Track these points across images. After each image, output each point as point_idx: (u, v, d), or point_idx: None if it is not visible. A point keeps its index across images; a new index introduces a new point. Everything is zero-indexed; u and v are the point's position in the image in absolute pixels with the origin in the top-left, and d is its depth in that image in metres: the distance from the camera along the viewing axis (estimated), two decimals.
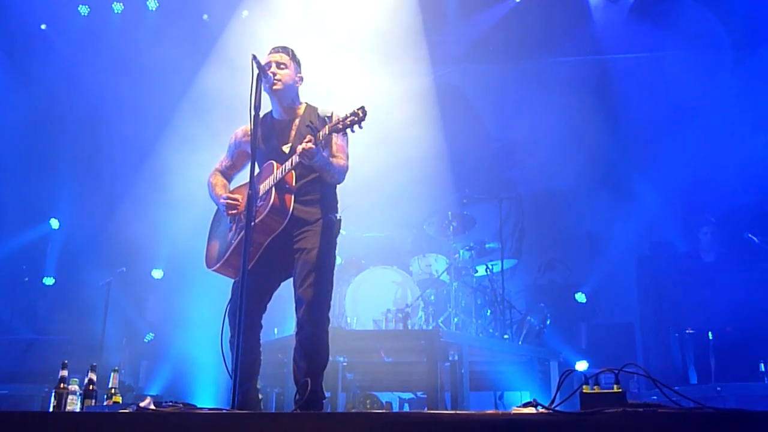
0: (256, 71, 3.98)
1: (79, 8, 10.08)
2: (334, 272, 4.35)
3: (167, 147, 9.22)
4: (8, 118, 9.69)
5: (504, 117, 10.44)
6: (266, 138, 4.47)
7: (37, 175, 9.81)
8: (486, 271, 8.44)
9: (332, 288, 4.35)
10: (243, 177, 4.71)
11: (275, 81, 4.40)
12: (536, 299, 9.18)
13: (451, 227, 8.39)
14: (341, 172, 4.40)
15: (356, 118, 3.94)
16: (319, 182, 4.40)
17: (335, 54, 8.78)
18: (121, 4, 10.04)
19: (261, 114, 4.01)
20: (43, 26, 10.20)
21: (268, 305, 4.45)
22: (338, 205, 4.60)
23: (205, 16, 9.98)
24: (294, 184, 4.30)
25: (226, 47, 9.08)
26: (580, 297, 9.63)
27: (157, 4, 10.00)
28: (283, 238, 4.30)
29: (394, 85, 9.01)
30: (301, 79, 4.61)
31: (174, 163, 8.85)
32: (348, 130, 3.98)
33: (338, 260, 8.45)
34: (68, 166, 9.99)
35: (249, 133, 4.54)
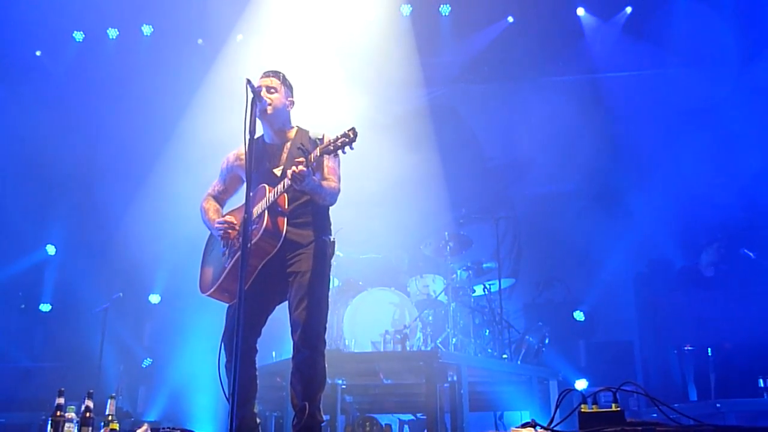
0: (250, 95, 3.99)
1: (73, 34, 10.15)
2: (331, 294, 4.36)
3: (163, 172, 9.24)
4: (3, 145, 9.72)
5: (499, 136, 10.49)
6: (258, 161, 4.47)
7: (32, 201, 9.81)
8: (484, 291, 8.43)
9: (327, 310, 4.36)
10: (235, 201, 4.75)
11: (266, 106, 4.41)
12: (534, 318, 9.16)
13: (448, 247, 8.39)
14: (333, 195, 4.41)
15: (347, 140, 3.95)
16: (311, 204, 4.41)
17: (328, 76, 8.82)
18: (116, 29, 10.09)
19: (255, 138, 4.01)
20: (38, 53, 10.26)
21: (263, 329, 4.44)
22: (332, 227, 4.60)
23: (199, 41, 10.04)
24: (286, 206, 4.30)
25: (220, 71, 9.13)
26: (579, 315, 9.61)
27: (152, 30, 10.06)
28: (276, 262, 4.30)
29: (388, 107, 9.06)
30: (292, 103, 4.63)
31: (170, 188, 8.86)
32: (339, 152, 3.99)
33: (335, 282, 8.60)
34: (64, 192, 9.99)
35: (241, 157, 4.57)
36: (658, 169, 9.50)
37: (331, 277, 4.59)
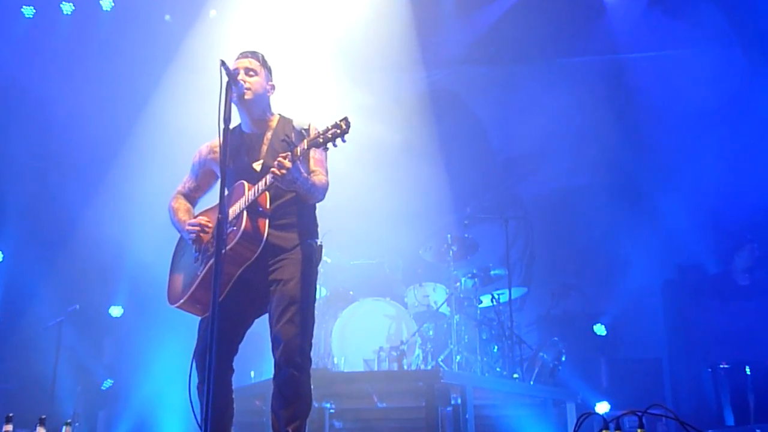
0: (225, 79, 3.97)
1: (22, 9, 10.08)
2: (318, 305, 4.36)
3: (127, 166, 9.21)
4: None
5: (508, 126, 10.49)
6: (235, 154, 4.46)
7: None
8: (492, 302, 8.45)
9: (314, 323, 4.34)
10: (209, 200, 4.73)
11: (245, 90, 4.41)
12: (549, 332, 9.19)
13: (451, 252, 8.41)
14: (322, 191, 4.39)
15: (338, 131, 3.93)
16: (296, 203, 4.40)
17: (313, 58, 8.82)
18: (71, 4, 10.04)
19: (230, 127, 4.00)
20: None
21: (240, 346, 4.43)
22: (318, 230, 4.60)
23: (167, 17, 10.00)
24: (268, 206, 4.28)
25: (191, 52, 9.10)
26: (600, 329, 9.63)
27: (113, 4, 10.01)
28: (256, 269, 4.28)
29: (383, 93, 9.06)
30: (273, 87, 4.61)
31: (134, 184, 8.84)
32: (330, 145, 3.98)
33: (322, 292, 8.63)
34: (13, 186, 9.89)
35: (215, 149, 4.57)
36: (688, 163, 9.51)
37: (318, 286, 4.59)
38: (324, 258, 8.42)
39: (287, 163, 4.01)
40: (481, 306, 8.55)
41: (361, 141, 8.69)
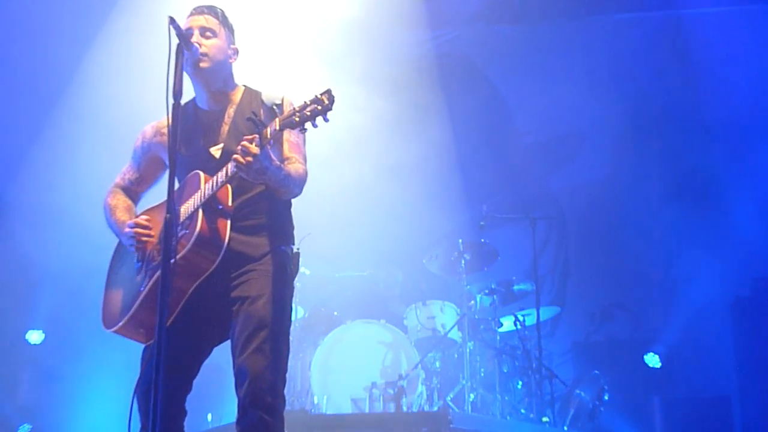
0: (174, 41, 3.96)
1: None
2: (294, 330, 4.34)
3: (49, 152, 9.16)
4: None
5: (537, 101, 10.47)
6: (188, 137, 4.43)
7: None
8: (515, 325, 8.46)
9: (288, 353, 4.32)
10: (156, 195, 4.71)
11: (201, 56, 4.41)
12: (588, 364, 9.18)
13: (463, 262, 8.42)
14: (299, 183, 4.35)
15: (319, 107, 3.89)
16: (266, 199, 4.37)
17: (289, 14, 8.80)
18: None
19: (181, 103, 3.98)
20: None
21: (194, 382, 4.42)
22: (295, 233, 4.57)
23: None
24: (230, 203, 4.25)
25: (132, 7, 9.05)
26: (652, 359, 9.63)
27: None
28: (215, 283, 4.26)
29: (377, 59, 9.04)
30: (237, 51, 4.58)
31: (59, 175, 8.81)
32: (308, 125, 3.96)
33: (299, 312, 8.63)
34: None
35: (163, 131, 4.54)
36: (765, 149, 9.53)
37: (294, 305, 4.59)
38: (301, 269, 8.41)
39: (254, 148, 3.96)
40: (501, 330, 8.58)
41: (349, 121, 8.80)
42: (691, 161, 9.84)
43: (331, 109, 3.90)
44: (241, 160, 3.95)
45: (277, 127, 3.98)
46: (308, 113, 3.91)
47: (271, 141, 4.02)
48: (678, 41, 9.97)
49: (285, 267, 4.41)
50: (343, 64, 8.67)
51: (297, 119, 3.93)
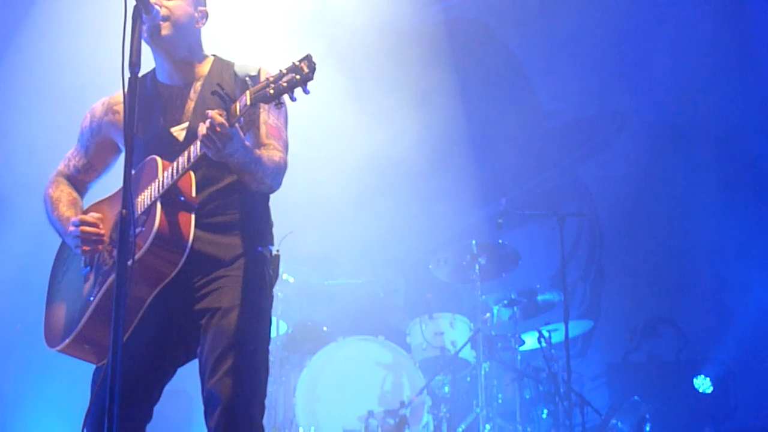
0: (131, 2, 3.95)
1: None
2: (274, 348, 4.33)
3: None
4: None
5: (565, 75, 10.48)
6: (147, 116, 4.43)
7: None
8: (539, 342, 8.44)
9: (267, 376, 4.33)
10: (108, 186, 4.71)
11: (161, 20, 4.40)
12: (627, 389, 9.20)
13: (478, 267, 8.42)
14: (276, 172, 4.33)
15: (297, 77, 3.87)
16: (238, 191, 4.36)
17: None
18: None
19: (139, 75, 3.97)
20: None
21: (154, 408, 4.42)
22: (273, 231, 4.57)
23: None
24: (194, 194, 4.24)
25: None
26: (704, 384, 9.64)
27: None
28: (179, 292, 4.25)
29: (378, 25, 9.03)
30: (205, 15, 4.58)
31: None
32: (286, 98, 3.95)
33: (281, 327, 8.63)
34: None
35: (117, 108, 4.54)
36: None
37: (274, 319, 4.57)
38: (283, 276, 8.45)
39: (222, 124, 3.95)
40: (522, 349, 8.59)
41: (339, 99, 8.79)
42: (751, 150, 9.84)
43: (311, 79, 3.88)
44: (209, 139, 3.91)
45: (248, 102, 3.95)
46: (284, 84, 3.89)
47: (242, 119, 4.01)
48: (734, 8, 9.98)
49: (262, 272, 4.41)
50: (334, 33, 8.64)
51: (272, 92, 3.91)
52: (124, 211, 3.67)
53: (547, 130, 10.66)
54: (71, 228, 4.40)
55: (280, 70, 3.92)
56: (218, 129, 3.90)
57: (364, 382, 7.91)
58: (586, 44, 10.12)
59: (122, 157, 3.82)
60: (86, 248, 4.39)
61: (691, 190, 9.90)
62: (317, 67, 3.89)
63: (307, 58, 3.89)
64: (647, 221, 10.13)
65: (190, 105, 4.44)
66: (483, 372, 8.00)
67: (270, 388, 4.32)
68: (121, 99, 3.82)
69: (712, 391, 9.64)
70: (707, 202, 9.79)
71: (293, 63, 3.91)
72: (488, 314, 8.51)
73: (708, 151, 10.00)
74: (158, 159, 4.26)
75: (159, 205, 4.16)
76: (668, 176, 10.10)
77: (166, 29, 4.40)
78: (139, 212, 4.21)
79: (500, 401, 8.20)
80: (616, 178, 10.33)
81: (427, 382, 7.86)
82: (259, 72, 4.25)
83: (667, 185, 10.05)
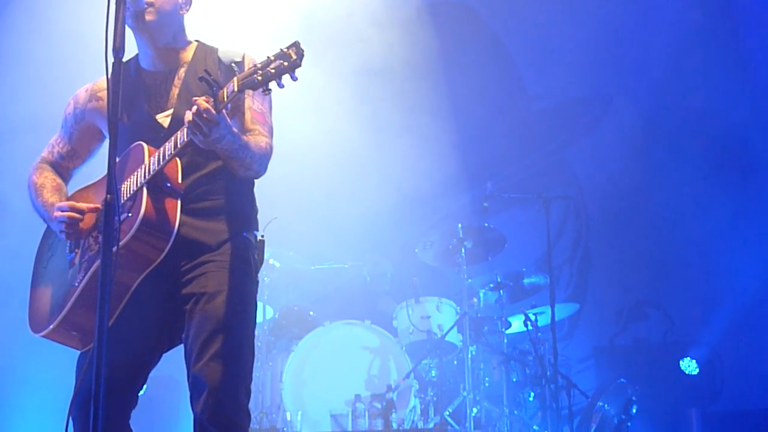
0: None
1: None
2: (261, 333, 4.34)
3: None
4: None
5: (551, 57, 10.49)
6: (131, 103, 4.43)
7: None
8: (526, 325, 8.47)
9: (254, 360, 4.33)
10: (91, 172, 4.72)
11: (145, 6, 4.39)
12: (613, 371, 9.19)
13: (464, 250, 8.45)
14: (262, 157, 4.35)
15: (285, 64, 3.88)
16: (223, 178, 4.37)
17: None
18: None
19: (122, 61, 3.97)
20: None
21: (141, 392, 4.43)
22: (259, 217, 4.59)
23: None
24: (179, 180, 4.26)
25: None
26: (690, 366, 9.66)
27: None
28: (164, 277, 4.27)
29: (354, 8, 9.01)
30: (189, 1, 4.57)
31: None
32: (274, 85, 3.96)
33: (268, 312, 8.63)
34: None
35: (101, 95, 4.54)
36: None
37: (260, 304, 4.58)
38: (269, 260, 8.46)
39: (205, 105, 3.95)
40: (509, 332, 8.62)
41: (319, 84, 8.77)
42: (739, 130, 9.84)
43: (299, 65, 3.90)
44: (197, 125, 3.92)
45: (236, 88, 3.96)
46: (272, 71, 3.91)
47: (229, 105, 4.02)
48: None
49: (247, 257, 4.43)
50: (315, 17, 8.63)
51: (259, 78, 3.93)
52: (109, 196, 3.67)
53: (534, 113, 10.67)
54: (57, 213, 4.41)
55: (268, 57, 3.94)
56: (205, 115, 3.90)
57: (350, 367, 7.95)
58: (573, 26, 10.11)
59: (107, 143, 3.81)
60: (71, 233, 4.41)
61: (678, 173, 9.92)
62: (305, 54, 3.92)
63: (295, 45, 3.90)
64: (634, 204, 10.14)
65: (175, 91, 4.46)
66: (470, 355, 8.04)
67: (257, 373, 4.34)
68: (105, 85, 3.85)
69: (698, 373, 9.64)
70: (694, 186, 9.80)
71: (281, 50, 3.93)
72: (475, 298, 8.54)
73: (695, 134, 10.01)
74: (144, 145, 4.28)
75: (145, 191, 4.17)
76: (655, 160, 10.12)
77: (150, 15, 4.40)
78: (125, 198, 4.22)
79: (487, 384, 8.23)
80: (602, 161, 10.33)
81: (414, 366, 7.89)
82: (243, 58, 4.28)
83: (655, 169, 10.07)
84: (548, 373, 8.18)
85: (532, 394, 8.28)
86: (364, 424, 7.39)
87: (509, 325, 8.63)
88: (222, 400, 4.18)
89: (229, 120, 4.10)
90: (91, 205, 4.41)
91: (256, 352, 4.42)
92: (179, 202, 4.25)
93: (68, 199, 4.53)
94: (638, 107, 10.11)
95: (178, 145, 4.11)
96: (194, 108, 3.93)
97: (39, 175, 4.68)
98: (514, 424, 8.01)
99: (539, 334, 8.44)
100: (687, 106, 9.97)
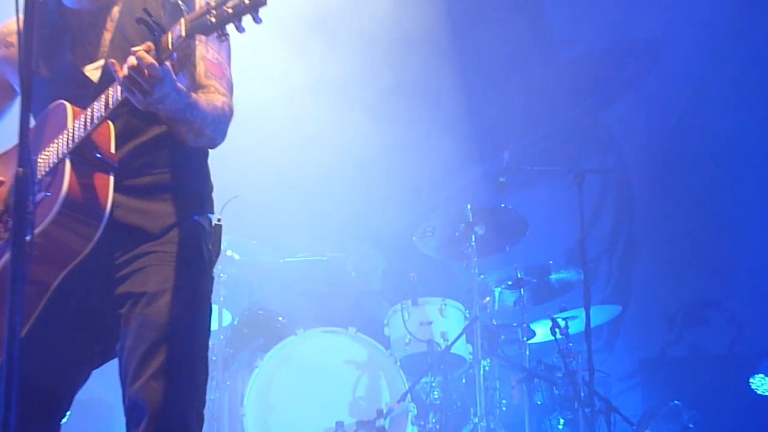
0: None
1: None
2: (216, 343, 4.32)
3: None
4: None
5: None
6: (51, 50, 4.42)
7: None
8: (554, 334, 8.46)
9: (207, 378, 4.34)
10: (0, 139, 4.71)
11: None
12: (665, 391, 9.23)
13: (474, 238, 8.45)
14: (218, 120, 4.31)
15: (245, 2, 3.87)
16: (168, 146, 4.35)
17: None
18: None
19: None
20: None
21: (63, 420, 4.43)
22: (213, 194, 4.58)
23: None
24: (112, 149, 4.22)
25: None
26: (762, 384, 9.67)
27: None
28: (93, 273, 4.25)
29: None
30: None
31: None
32: (232, 29, 3.93)
33: (225, 318, 8.58)
34: None
35: (11, 39, 4.56)
36: None
37: (215, 307, 4.57)
38: (226, 252, 8.44)
39: (145, 55, 3.94)
40: (532, 342, 8.63)
41: (307, 38, 8.79)
42: None
43: (264, 3, 3.86)
44: (133, 79, 3.85)
45: (184, 33, 3.90)
46: (230, 10, 3.84)
47: (175, 54, 4.00)
48: None
49: (199, 247, 4.41)
50: None
51: (213, 20, 3.87)
52: (20, 170, 3.66)
53: (561, 63, 10.68)
54: None
55: None
56: (145, 69, 3.83)
57: (330, 387, 7.91)
58: None
59: (19, 102, 3.80)
60: None
61: (742, 139, 9.93)
62: None
63: None
64: (689, 179, 10.15)
65: (107, 36, 4.41)
66: (482, 372, 8.03)
67: (211, 395, 4.33)
68: (15, 28, 3.81)
69: None
70: (764, 153, 9.83)
71: None
72: (488, 298, 8.54)
73: (762, 87, 10.02)
74: (67, 105, 4.23)
75: (68, 164, 4.13)
76: (713, 122, 10.11)
77: None
78: (43, 173, 4.20)
79: (504, 408, 8.25)
80: (649, 124, 10.36)
81: (411, 386, 7.89)
82: None
83: (713, 134, 10.06)
84: (582, 393, 8.18)
85: (562, 420, 8.29)
86: None
87: (532, 334, 8.62)
88: (166, 429, 4.16)
89: (174, 74, 4.02)
90: None
91: (210, 369, 4.40)
92: (112, 177, 4.20)
93: None
94: (690, 57, 10.10)
95: (111, 106, 4.05)
96: (131, 59, 3.84)
97: None
98: None
99: (570, 344, 8.42)
100: (750, 56, 9.97)
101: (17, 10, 3.66)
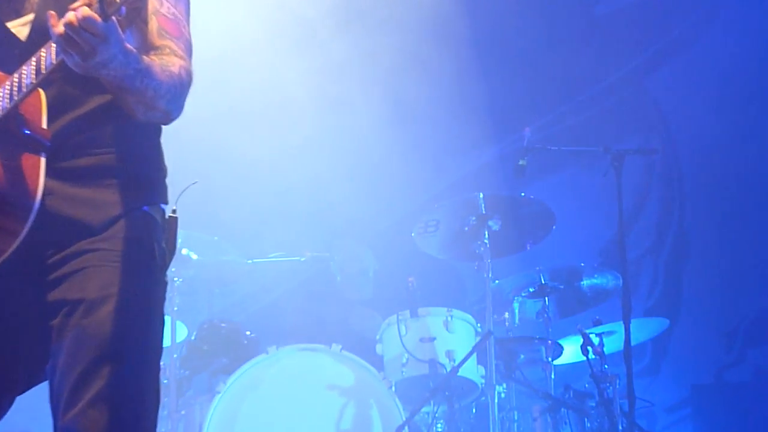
0: None
1: None
2: (168, 363, 4.31)
3: None
4: None
5: None
6: None
7: None
8: (585, 353, 8.44)
9: (158, 406, 4.36)
10: None
11: None
12: (723, 422, 9.25)
13: (487, 234, 8.45)
14: (175, 89, 4.29)
15: None
16: (113, 120, 4.34)
17: None
18: None
19: None
20: None
21: None
22: (166, 180, 4.58)
23: None
24: (44, 124, 4.22)
25: None
26: None
27: None
28: (21, 275, 4.26)
29: None
30: None
31: None
32: None
33: (180, 332, 8.58)
34: None
35: None
36: None
37: (168, 318, 4.57)
38: (182, 251, 8.42)
39: (86, 9, 3.91)
40: (559, 363, 8.63)
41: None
42: None
43: None
44: (73, 35, 3.82)
45: None
46: None
47: (123, 9, 3.99)
48: None
49: (149, 245, 4.39)
50: None
51: None
52: None
53: (596, 21, 10.70)
54: None
55: None
56: (85, 25, 3.78)
57: (309, 418, 7.90)
58: None
59: None
60: None
61: None
62: None
63: None
64: (753, 164, 10.17)
65: None
66: (497, 399, 8.03)
67: (162, 427, 4.32)
68: None
69: None
70: None
71: None
72: (507, 314, 8.53)
73: None
74: None
75: None
76: None
77: None
78: None
79: None
80: (703, 95, 10.38)
81: (410, 416, 7.87)
82: None
83: None
84: (620, 427, 8.20)
85: None
86: None
87: (559, 353, 8.64)
88: None
89: (122, 32, 3.98)
90: None
91: (161, 394, 4.40)
92: (43, 158, 4.18)
93: None
94: (756, 12, 10.14)
95: (43, 71, 4.01)
96: (69, 15, 3.79)
97: None
98: None
99: (606, 366, 8.39)
100: None
101: None
